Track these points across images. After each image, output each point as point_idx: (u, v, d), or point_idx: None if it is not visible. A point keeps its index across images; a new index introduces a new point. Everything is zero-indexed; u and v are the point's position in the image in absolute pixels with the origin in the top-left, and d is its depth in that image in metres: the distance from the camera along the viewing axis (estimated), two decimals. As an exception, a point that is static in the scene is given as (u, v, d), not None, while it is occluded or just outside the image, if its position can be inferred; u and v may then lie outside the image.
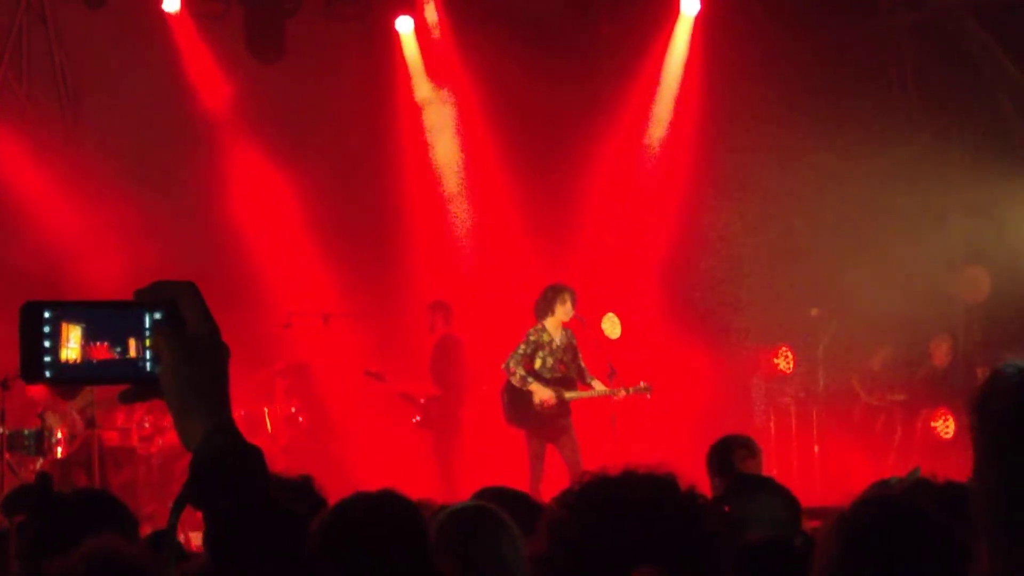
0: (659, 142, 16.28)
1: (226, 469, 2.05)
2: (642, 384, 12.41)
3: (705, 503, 2.54)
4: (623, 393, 12.38)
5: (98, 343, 2.11)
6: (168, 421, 13.36)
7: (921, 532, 2.85)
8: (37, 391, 12.99)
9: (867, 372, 15.12)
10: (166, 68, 15.20)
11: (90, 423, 12.83)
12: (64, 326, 2.09)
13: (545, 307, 12.60)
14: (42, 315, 2.10)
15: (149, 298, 2.13)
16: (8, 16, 14.92)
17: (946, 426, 14.01)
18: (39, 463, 12.29)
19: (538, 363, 12.58)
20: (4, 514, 5.24)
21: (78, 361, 2.10)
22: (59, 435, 12.67)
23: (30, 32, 14.99)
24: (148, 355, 2.12)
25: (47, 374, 2.10)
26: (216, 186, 15.41)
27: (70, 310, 2.11)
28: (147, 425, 13.60)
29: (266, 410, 14.33)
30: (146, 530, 9.29)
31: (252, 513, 2.05)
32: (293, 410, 14.61)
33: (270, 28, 15.49)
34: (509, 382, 12.62)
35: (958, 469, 3.01)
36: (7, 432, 12.23)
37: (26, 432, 12.46)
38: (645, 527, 2.43)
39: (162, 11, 15.20)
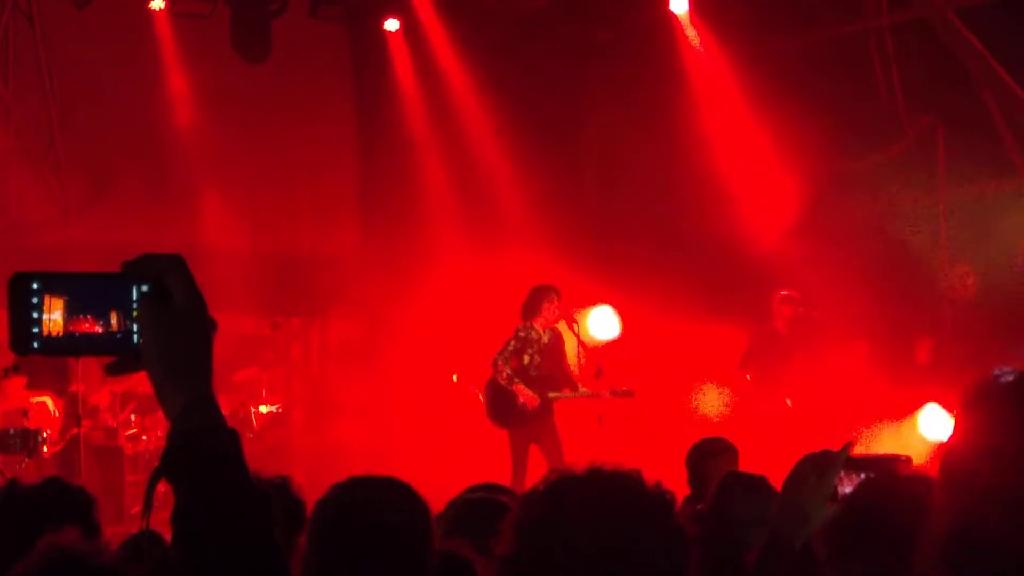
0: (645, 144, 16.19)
1: (197, 445, 2.07)
2: (625, 389, 12.40)
3: (671, 499, 2.56)
4: (607, 395, 12.35)
5: (81, 315, 2.12)
6: (153, 420, 13.36)
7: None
8: (21, 392, 12.99)
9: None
10: (153, 67, 15.17)
11: (76, 422, 12.83)
12: (47, 298, 2.11)
13: (532, 308, 12.61)
14: (30, 286, 2.11)
15: (136, 270, 2.15)
16: (-6, 17, 14.88)
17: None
18: (25, 462, 12.30)
19: (526, 359, 12.57)
20: None
21: (61, 333, 2.11)
22: (45, 434, 12.65)
23: (16, 32, 14.95)
24: (134, 327, 2.14)
25: (35, 345, 2.12)
26: (204, 185, 15.38)
27: (56, 281, 2.13)
28: (133, 424, 13.59)
29: (252, 409, 14.30)
30: (132, 529, 9.30)
31: (220, 492, 2.06)
32: (278, 409, 14.60)
33: (256, 28, 15.45)
34: (492, 380, 12.62)
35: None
36: (-7, 432, 12.24)
37: (12, 431, 12.46)
38: (609, 524, 2.44)
39: (149, 10, 15.18)
